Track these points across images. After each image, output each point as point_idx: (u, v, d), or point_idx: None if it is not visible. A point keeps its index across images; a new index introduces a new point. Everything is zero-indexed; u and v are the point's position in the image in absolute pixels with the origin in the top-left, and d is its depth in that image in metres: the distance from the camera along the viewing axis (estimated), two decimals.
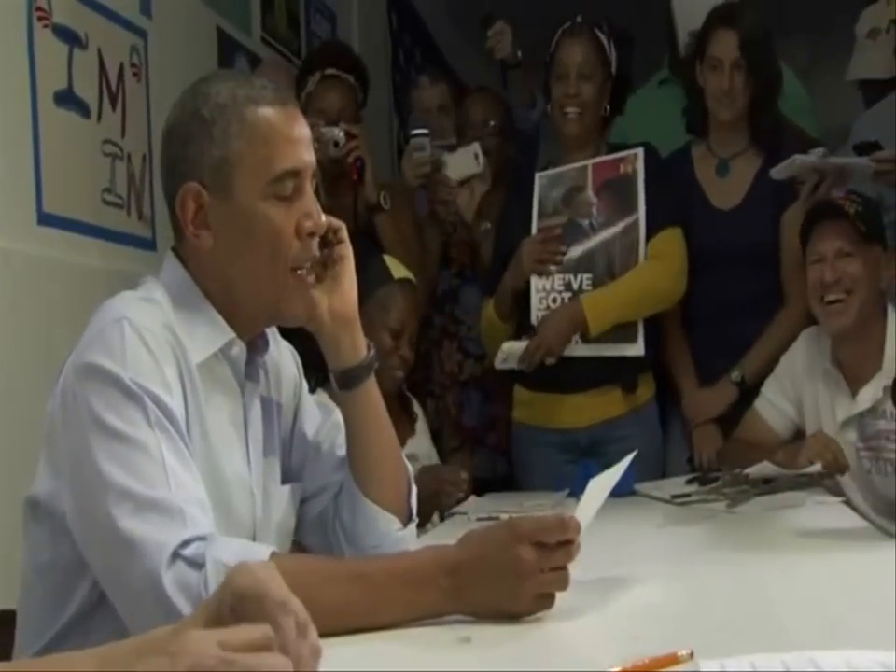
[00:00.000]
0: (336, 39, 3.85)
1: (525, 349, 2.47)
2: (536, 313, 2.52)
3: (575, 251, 2.54)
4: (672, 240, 2.53)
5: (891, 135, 2.41)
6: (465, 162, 2.82)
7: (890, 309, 2.21)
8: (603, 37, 2.61)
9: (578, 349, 2.50)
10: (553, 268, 2.52)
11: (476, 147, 2.82)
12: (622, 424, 2.53)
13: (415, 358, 2.38)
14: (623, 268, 2.50)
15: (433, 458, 2.41)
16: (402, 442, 2.25)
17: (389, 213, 2.72)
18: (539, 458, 2.56)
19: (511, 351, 2.50)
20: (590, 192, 2.57)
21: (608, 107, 2.63)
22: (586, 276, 2.52)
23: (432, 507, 2.05)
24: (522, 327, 2.57)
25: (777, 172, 2.45)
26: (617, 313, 2.48)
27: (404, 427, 2.35)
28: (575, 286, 2.51)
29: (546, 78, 2.67)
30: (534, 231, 2.59)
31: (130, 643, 0.65)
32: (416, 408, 2.46)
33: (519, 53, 2.90)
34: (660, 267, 2.51)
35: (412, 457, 2.24)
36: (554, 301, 2.51)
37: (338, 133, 2.64)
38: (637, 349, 2.50)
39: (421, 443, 2.38)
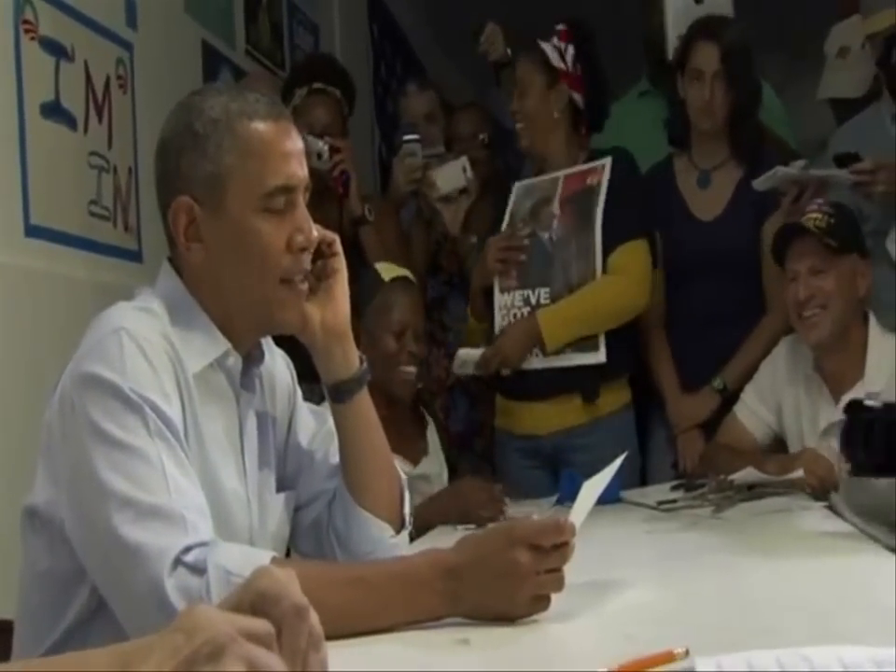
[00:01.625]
0: (322, 53, 3.87)
1: (481, 355, 2.51)
2: (498, 328, 2.56)
3: (534, 266, 2.57)
4: (633, 253, 2.52)
5: (869, 148, 2.44)
6: (453, 176, 2.84)
7: (872, 319, 2.24)
8: (547, 46, 2.61)
9: (538, 361, 2.52)
10: (513, 274, 2.56)
11: (464, 160, 2.85)
12: (582, 433, 2.53)
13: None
14: (580, 282, 2.52)
15: (444, 478, 2.39)
16: (416, 462, 2.27)
17: (373, 225, 2.74)
18: (510, 463, 2.61)
19: (466, 357, 2.54)
20: (555, 205, 2.60)
21: (560, 109, 2.59)
22: (544, 290, 2.54)
23: (464, 520, 2.00)
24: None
25: (760, 183, 2.49)
26: (574, 329, 2.50)
27: (418, 446, 2.35)
28: (533, 300, 2.54)
29: None
30: (504, 227, 2.64)
31: (145, 639, 0.65)
32: (430, 429, 2.44)
33: (509, 52, 2.94)
34: (617, 283, 2.50)
35: (423, 477, 2.26)
36: (515, 316, 2.55)
37: (322, 145, 2.65)
38: (597, 357, 2.51)
39: (433, 464, 2.37)
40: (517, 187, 2.68)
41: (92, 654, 0.67)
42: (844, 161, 2.44)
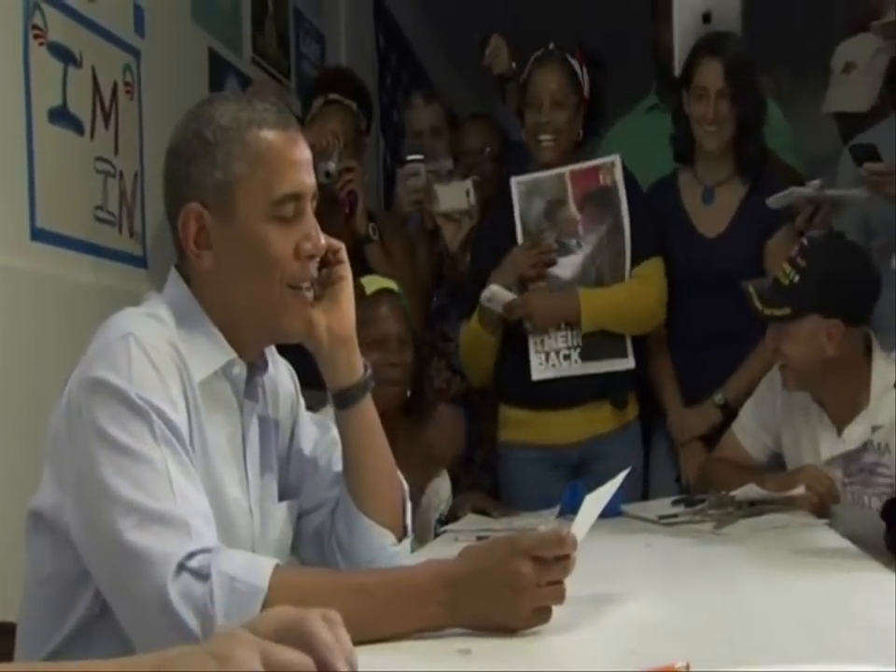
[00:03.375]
0: (341, 66, 3.88)
1: (513, 300, 2.52)
2: (536, 369, 2.55)
3: (565, 271, 2.58)
4: (655, 267, 2.59)
5: (884, 159, 2.43)
6: (455, 197, 2.84)
7: (875, 346, 2.17)
8: (574, 63, 2.64)
9: (573, 369, 2.53)
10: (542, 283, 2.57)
11: (469, 183, 2.85)
12: (610, 440, 2.57)
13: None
14: (610, 281, 2.57)
15: (448, 503, 2.37)
16: (427, 482, 2.27)
17: (379, 243, 2.76)
18: (528, 477, 2.57)
19: (497, 294, 2.53)
20: (572, 207, 2.60)
21: (580, 132, 2.66)
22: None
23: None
24: (508, 337, 2.60)
25: (775, 201, 2.49)
26: (608, 316, 2.53)
27: (430, 468, 2.33)
28: None
29: (519, 104, 2.70)
30: (519, 235, 2.61)
31: (152, 655, 0.65)
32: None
33: (514, 65, 2.95)
34: (646, 288, 2.57)
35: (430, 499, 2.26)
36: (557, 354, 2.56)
37: (330, 165, 2.68)
38: (627, 363, 2.56)
39: (443, 488, 2.35)
40: (517, 183, 2.65)
41: (99, 664, 0.66)
42: (860, 153, 2.42)
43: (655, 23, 3.07)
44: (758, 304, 2.18)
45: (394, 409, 2.25)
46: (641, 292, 2.56)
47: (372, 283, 2.32)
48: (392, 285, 2.35)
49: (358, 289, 2.28)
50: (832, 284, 2.10)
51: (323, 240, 1.30)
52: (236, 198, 1.25)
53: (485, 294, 2.54)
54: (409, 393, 2.30)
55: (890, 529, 1.68)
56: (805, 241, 2.22)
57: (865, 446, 2.13)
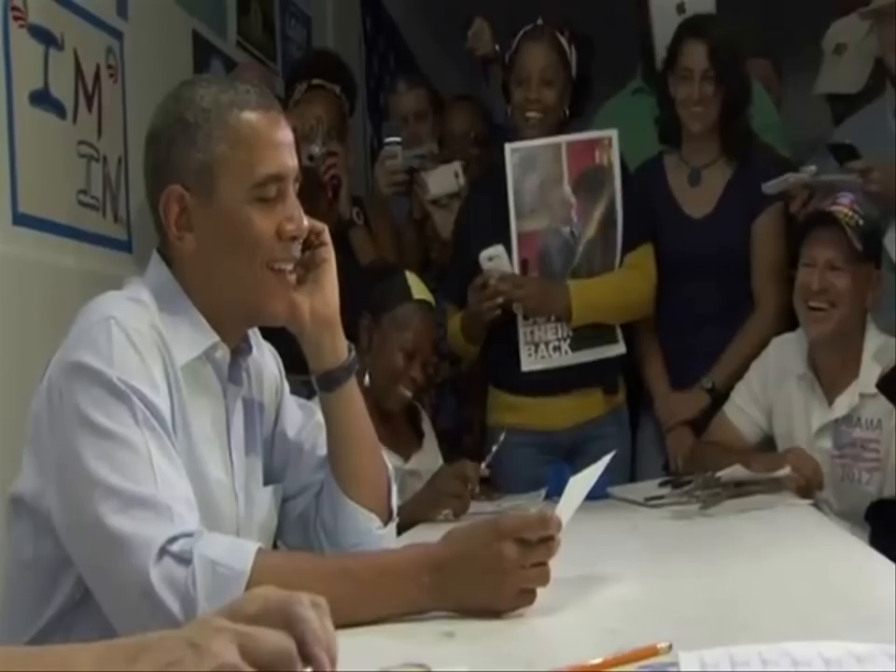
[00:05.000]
0: (324, 49, 3.86)
1: (510, 276, 2.48)
2: (522, 336, 2.54)
3: (556, 261, 2.56)
4: (646, 255, 2.58)
5: (870, 144, 2.44)
6: (444, 180, 2.82)
7: (870, 321, 2.23)
8: (564, 41, 2.62)
9: (563, 360, 2.53)
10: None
11: (457, 165, 2.82)
12: (601, 424, 2.58)
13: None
14: (601, 269, 2.56)
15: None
16: (407, 458, 2.27)
17: (364, 226, 2.75)
18: (519, 461, 2.54)
19: (501, 258, 2.49)
20: (566, 188, 2.56)
21: (567, 111, 2.65)
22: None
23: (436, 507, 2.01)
24: (499, 324, 2.57)
25: (770, 187, 2.51)
26: (599, 310, 2.52)
27: (410, 441, 2.34)
28: None
29: (506, 80, 2.67)
30: (512, 214, 2.55)
31: (130, 640, 0.64)
32: (425, 424, 2.43)
33: (497, 47, 2.93)
34: (639, 277, 2.56)
35: (414, 473, 2.26)
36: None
37: (314, 148, 2.67)
38: (618, 349, 2.56)
39: (426, 459, 2.35)
40: (511, 150, 2.57)
41: (79, 649, 0.66)
42: (838, 152, 2.44)
43: (638, 10, 3.06)
44: (846, 224, 2.17)
45: (394, 411, 2.27)
46: (634, 282, 2.55)
47: (418, 288, 2.30)
48: (431, 299, 2.34)
49: (403, 285, 2.27)
50: (878, 233, 2.26)
51: (305, 222, 1.29)
52: (217, 179, 1.24)
53: (489, 252, 2.50)
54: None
55: (875, 532, 1.70)
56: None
57: (858, 421, 2.16)
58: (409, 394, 2.25)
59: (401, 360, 2.22)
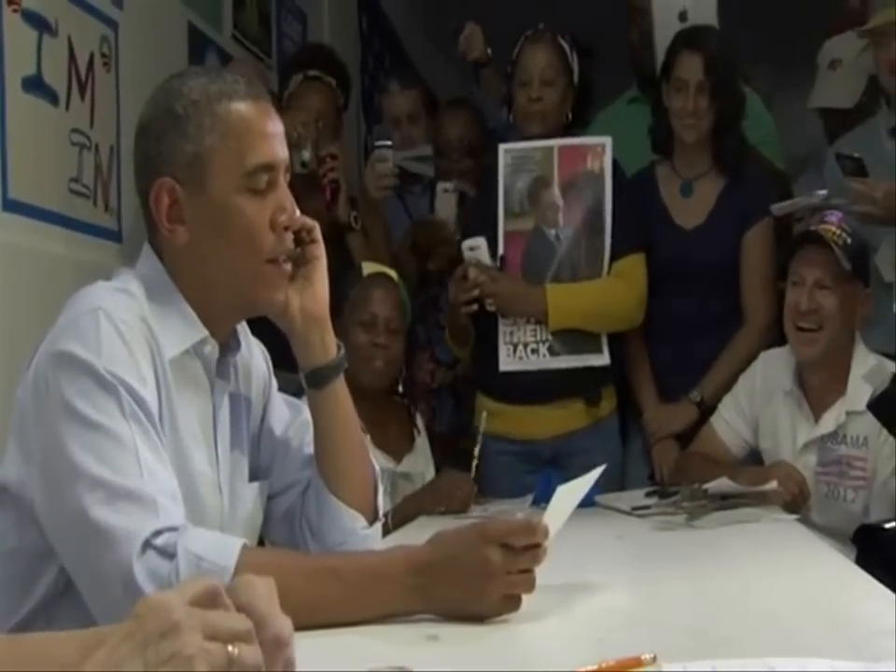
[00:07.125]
0: (320, 42, 3.85)
1: (487, 270, 2.48)
2: (502, 335, 2.53)
3: (539, 263, 2.55)
4: (637, 265, 2.56)
5: (869, 159, 2.44)
6: (446, 206, 2.87)
7: (858, 339, 2.23)
8: (565, 45, 2.63)
9: (545, 362, 2.51)
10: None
11: (453, 198, 2.85)
12: (584, 436, 2.55)
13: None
14: (587, 276, 2.55)
15: (428, 478, 2.37)
16: (399, 460, 2.27)
17: (362, 231, 2.75)
18: (501, 468, 2.54)
19: (482, 250, 2.50)
20: (555, 190, 2.56)
21: (569, 115, 2.65)
22: None
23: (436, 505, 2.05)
24: (481, 327, 2.58)
25: (778, 209, 2.52)
26: (579, 315, 2.51)
27: (402, 443, 2.34)
28: None
29: (508, 87, 2.68)
30: (501, 213, 2.57)
31: (114, 627, 0.64)
32: (420, 424, 2.43)
33: (489, 51, 2.93)
34: (623, 289, 2.54)
35: (405, 476, 2.25)
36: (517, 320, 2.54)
37: (305, 154, 2.65)
38: (602, 359, 2.54)
39: (417, 462, 2.35)
40: (504, 152, 2.60)
41: (58, 637, 0.65)
42: (847, 164, 2.43)
43: (629, 22, 3.08)
44: (833, 243, 2.17)
45: (375, 388, 2.25)
46: (618, 291, 2.53)
47: (370, 267, 2.33)
48: (391, 272, 2.34)
49: (357, 272, 2.29)
50: (867, 251, 2.27)
51: (298, 213, 1.29)
52: (208, 170, 1.23)
53: (471, 242, 2.51)
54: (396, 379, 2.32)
55: (862, 552, 1.71)
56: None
57: (844, 438, 2.16)
58: (380, 363, 2.24)
59: (362, 334, 2.24)
